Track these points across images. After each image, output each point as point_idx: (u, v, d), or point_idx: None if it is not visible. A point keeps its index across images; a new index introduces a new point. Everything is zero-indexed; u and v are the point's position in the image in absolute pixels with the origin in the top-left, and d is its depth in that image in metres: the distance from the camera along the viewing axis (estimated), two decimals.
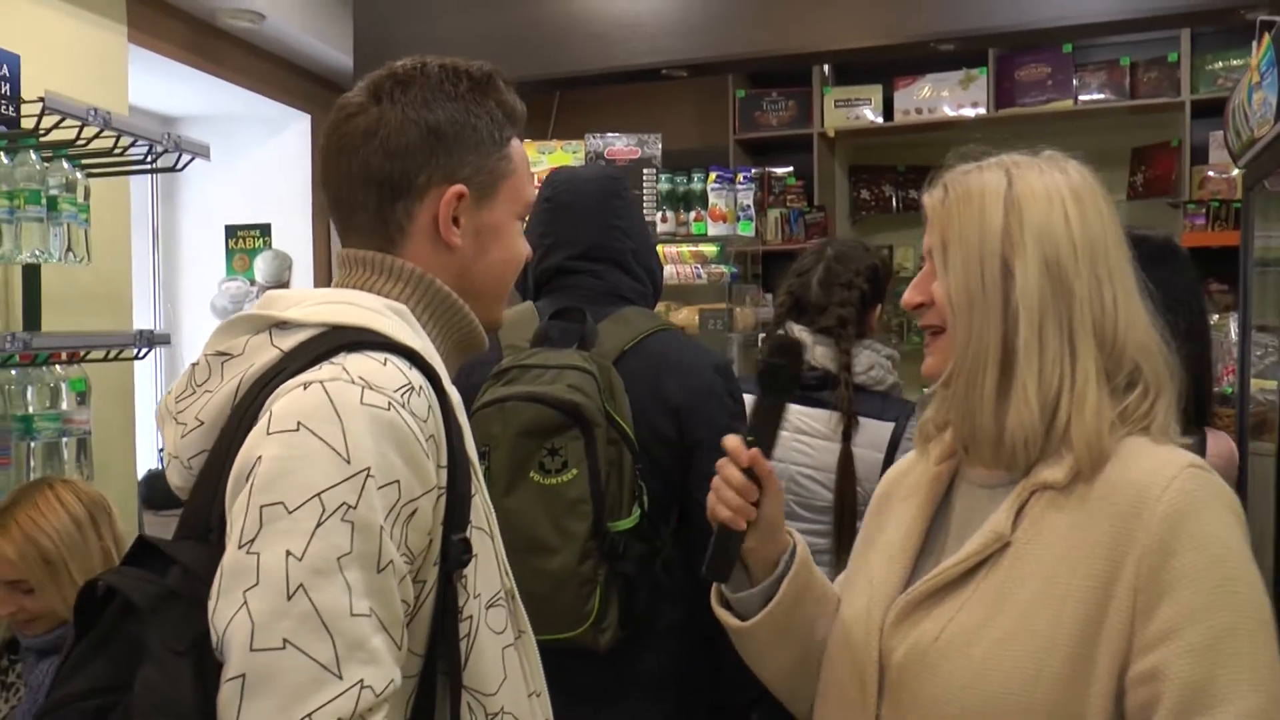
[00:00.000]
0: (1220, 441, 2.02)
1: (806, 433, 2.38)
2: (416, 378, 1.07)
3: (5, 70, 2.65)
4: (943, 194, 1.28)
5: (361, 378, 1.03)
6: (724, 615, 1.40)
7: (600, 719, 1.88)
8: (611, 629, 1.78)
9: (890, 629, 1.24)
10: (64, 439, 2.71)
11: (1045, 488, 1.19)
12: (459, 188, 1.19)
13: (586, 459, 1.74)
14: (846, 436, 2.34)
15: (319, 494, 0.96)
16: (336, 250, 1.24)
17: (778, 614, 1.35)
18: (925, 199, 1.31)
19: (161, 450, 4.48)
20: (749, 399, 2.36)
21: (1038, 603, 1.14)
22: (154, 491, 3.90)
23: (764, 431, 1.34)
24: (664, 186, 3.74)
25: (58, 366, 2.74)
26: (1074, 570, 1.13)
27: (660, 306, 3.82)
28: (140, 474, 3.86)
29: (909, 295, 1.32)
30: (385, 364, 1.05)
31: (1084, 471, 1.17)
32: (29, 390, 2.67)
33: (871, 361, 2.41)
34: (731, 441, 1.33)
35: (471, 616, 1.11)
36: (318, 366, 1.04)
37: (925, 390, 1.39)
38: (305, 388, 1.01)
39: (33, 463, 2.64)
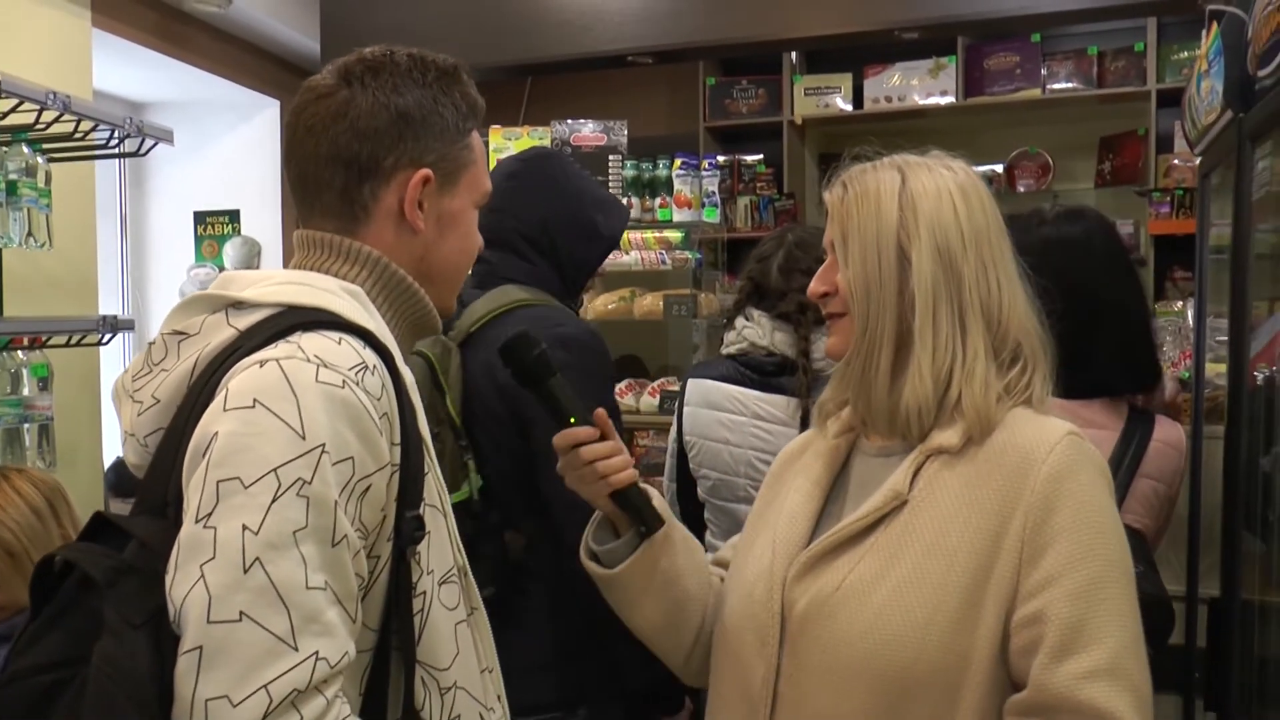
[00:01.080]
0: (1169, 428, 2.05)
1: (764, 418, 2.38)
2: (370, 357, 1.09)
3: None
4: (842, 191, 1.40)
5: (317, 356, 1.05)
6: (592, 566, 1.50)
7: None
8: None
9: (792, 582, 1.33)
10: (25, 425, 2.70)
11: (940, 451, 1.31)
12: (425, 172, 1.22)
13: None
14: (804, 422, 2.36)
15: (275, 469, 0.98)
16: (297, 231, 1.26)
17: (646, 561, 1.45)
18: (825, 196, 1.43)
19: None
20: (706, 384, 2.39)
21: (931, 554, 1.25)
22: (121, 479, 3.88)
23: (574, 408, 1.47)
24: (629, 173, 3.75)
25: (19, 352, 2.73)
26: (965, 524, 1.25)
27: (624, 291, 3.84)
28: (108, 461, 3.85)
29: (814, 286, 1.44)
30: (340, 343, 1.08)
31: (975, 437, 1.30)
32: None
33: None
34: (573, 434, 1.45)
35: (425, 593, 1.13)
36: (274, 345, 1.06)
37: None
38: (261, 365, 1.04)
39: None
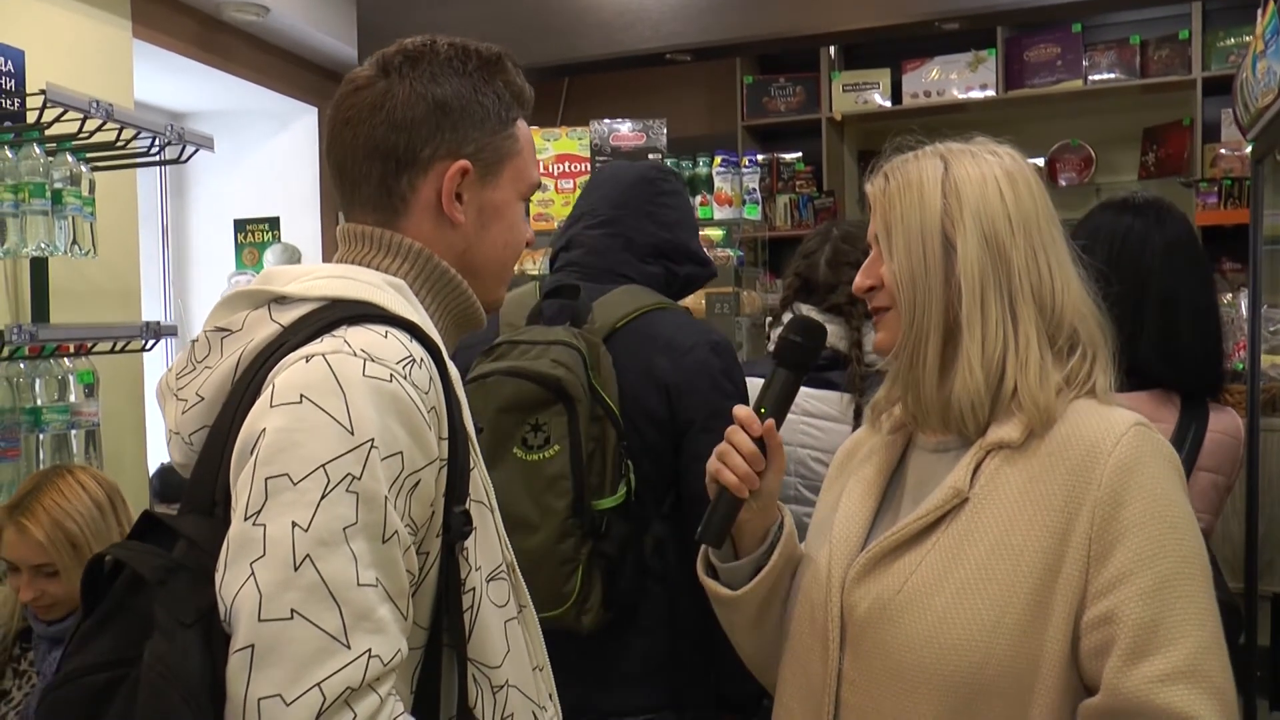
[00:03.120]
0: (1225, 418, 2.00)
1: (815, 415, 2.35)
2: (417, 350, 1.08)
3: (10, 66, 2.66)
4: (884, 182, 1.35)
5: (363, 350, 1.03)
6: (711, 584, 1.45)
7: (591, 701, 1.85)
8: (594, 610, 1.75)
9: (851, 585, 1.29)
10: (72, 431, 2.72)
11: (1001, 446, 1.26)
12: (463, 163, 1.20)
13: (569, 435, 1.71)
14: (858, 417, 2.32)
15: (323, 465, 0.97)
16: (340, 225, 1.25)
17: (766, 584, 1.40)
18: (867, 188, 1.38)
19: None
20: (755, 382, 2.36)
21: (996, 554, 1.20)
22: (166, 485, 3.92)
23: (777, 405, 1.39)
24: None
25: (65, 359, 2.75)
26: (1031, 521, 1.20)
27: None
28: (152, 466, 3.88)
29: (859, 280, 1.39)
30: (386, 336, 1.06)
31: (1036, 430, 1.24)
32: (37, 383, 2.68)
33: None
34: (743, 411, 1.38)
35: (474, 589, 1.11)
36: (319, 339, 1.05)
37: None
38: (307, 360, 1.02)
39: (41, 455, 2.66)
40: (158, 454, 4.26)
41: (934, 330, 1.28)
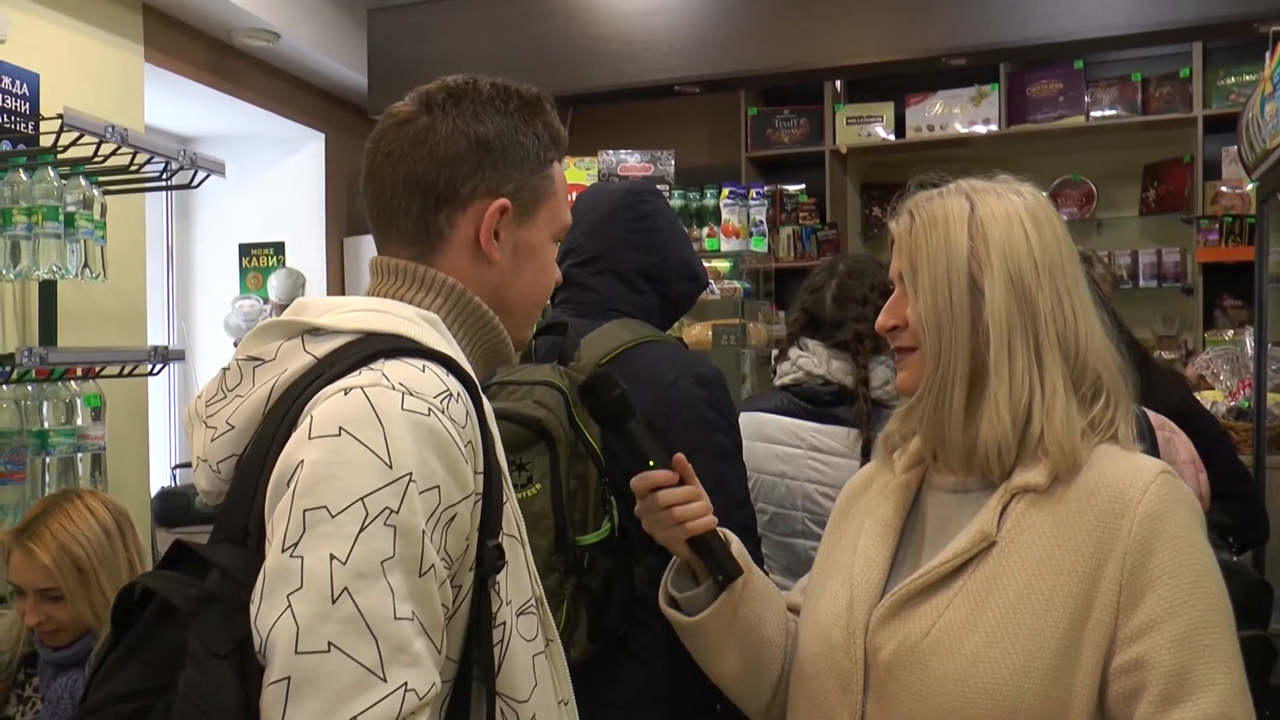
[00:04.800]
0: (1178, 448, 2.02)
1: (822, 450, 2.34)
2: (454, 384, 1.08)
3: (25, 89, 2.68)
4: (909, 220, 1.34)
5: (402, 383, 1.03)
6: (672, 614, 1.48)
7: None
8: (581, 643, 1.75)
9: (876, 627, 1.29)
10: (79, 454, 2.72)
11: (1026, 490, 1.26)
12: (503, 201, 1.20)
13: (550, 473, 1.73)
14: (865, 453, 2.32)
15: (362, 498, 0.97)
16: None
17: (726, 609, 1.43)
18: (891, 226, 1.37)
19: (175, 467, 4.51)
20: (760, 418, 2.36)
21: (1024, 598, 1.20)
22: (167, 509, 3.90)
23: (655, 451, 1.48)
24: (677, 203, 3.75)
25: (73, 382, 2.75)
26: (1060, 567, 1.20)
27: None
28: (154, 490, 3.87)
29: (883, 319, 1.39)
30: (424, 370, 1.06)
31: (1062, 475, 1.25)
32: (44, 405, 2.68)
33: (888, 376, 2.38)
34: (645, 480, 1.46)
35: (504, 623, 1.11)
36: (357, 372, 1.05)
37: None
38: (346, 393, 1.02)
39: (48, 478, 2.65)
40: (160, 478, 4.25)
41: (960, 373, 1.28)
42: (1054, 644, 1.17)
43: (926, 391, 1.31)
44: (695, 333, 3.64)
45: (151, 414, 3.76)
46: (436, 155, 1.18)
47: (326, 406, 1.02)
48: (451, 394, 1.06)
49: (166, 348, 2.97)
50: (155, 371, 3.02)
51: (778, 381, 2.43)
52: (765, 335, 3.79)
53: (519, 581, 1.16)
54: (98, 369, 2.82)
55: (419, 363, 1.07)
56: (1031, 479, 1.25)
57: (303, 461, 0.99)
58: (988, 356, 1.26)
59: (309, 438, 1.00)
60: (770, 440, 2.34)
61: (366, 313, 1.13)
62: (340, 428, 1.00)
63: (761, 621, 1.45)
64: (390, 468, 0.98)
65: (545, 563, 1.71)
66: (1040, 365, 1.26)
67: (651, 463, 1.45)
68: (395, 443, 0.99)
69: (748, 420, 2.39)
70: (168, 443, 4.61)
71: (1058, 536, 1.22)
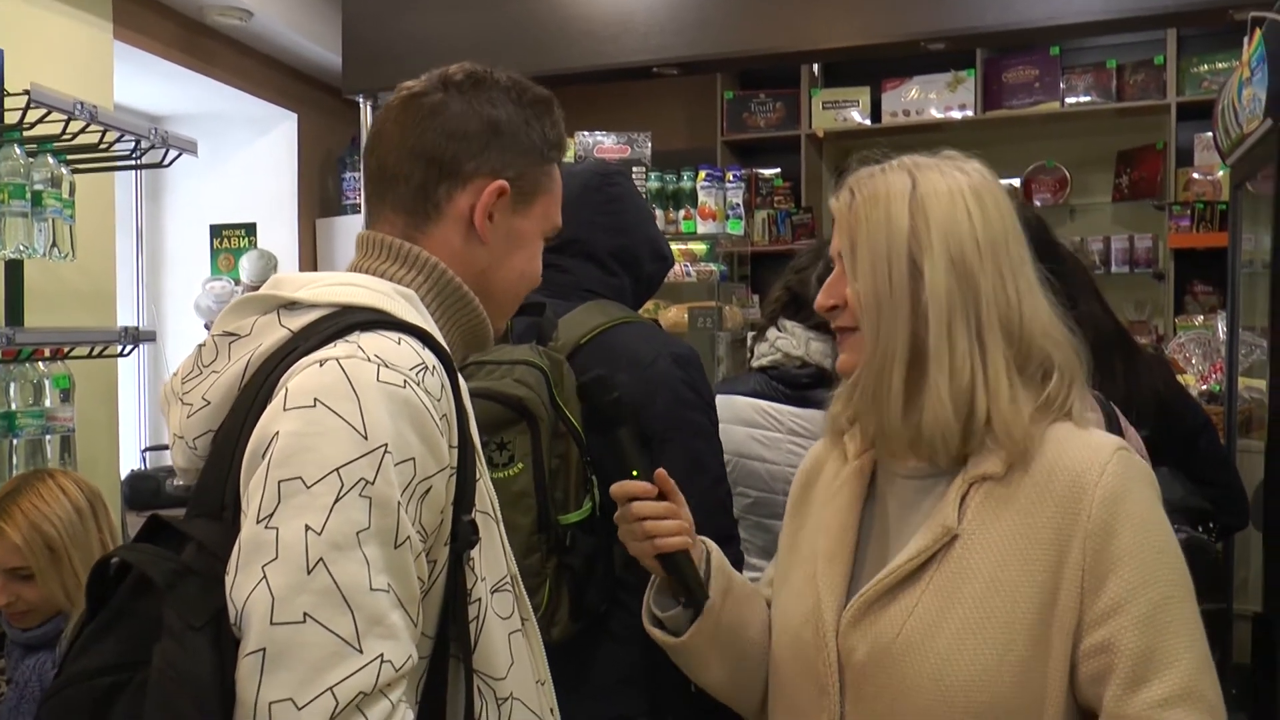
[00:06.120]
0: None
1: (801, 434, 2.33)
2: (429, 357, 1.08)
3: None
4: (849, 197, 1.31)
5: (377, 355, 1.03)
6: (658, 634, 1.46)
7: (566, 709, 1.86)
8: (563, 623, 1.76)
9: (846, 630, 1.27)
10: (47, 436, 2.68)
11: (984, 479, 1.24)
12: (502, 183, 1.22)
13: (532, 452, 1.73)
14: None
15: (337, 469, 0.97)
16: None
17: (708, 624, 1.41)
18: (832, 203, 1.34)
19: (146, 450, 4.46)
20: (732, 400, 2.35)
21: (992, 590, 1.20)
22: (136, 492, 3.87)
23: (640, 461, 1.46)
24: (654, 185, 3.74)
25: (41, 363, 2.71)
26: (1024, 557, 1.20)
27: (649, 304, 3.82)
28: (124, 473, 3.83)
29: (821, 299, 1.35)
30: (400, 343, 1.06)
31: (1016, 461, 1.23)
32: (12, 386, 2.64)
33: None
34: (623, 488, 1.43)
35: (479, 599, 1.11)
36: (332, 344, 1.05)
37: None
38: (321, 365, 1.02)
39: (15, 460, 2.62)
40: (129, 460, 4.20)
41: (899, 356, 1.24)
42: (1024, 635, 1.18)
43: (865, 373, 1.27)
44: (671, 315, 3.64)
45: (121, 396, 3.72)
46: (448, 129, 1.20)
47: (302, 378, 1.02)
48: (427, 367, 1.06)
49: (138, 328, 2.93)
50: (126, 352, 2.98)
51: (755, 363, 2.42)
52: (740, 318, 3.79)
53: (493, 558, 1.15)
54: (66, 349, 2.78)
55: (395, 335, 1.07)
56: (988, 468, 1.23)
57: (278, 433, 0.99)
58: (928, 339, 1.23)
59: (284, 409, 1.00)
60: (748, 423, 2.33)
61: (342, 286, 1.12)
62: (315, 399, 0.99)
63: (746, 626, 1.44)
64: (365, 439, 0.98)
65: (527, 542, 1.70)
66: (983, 348, 1.23)
67: (635, 473, 1.44)
68: (370, 414, 0.99)
69: (724, 403, 2.38)
70: (138, 425, 4.56)
71: (1019, 524, 1.21)
